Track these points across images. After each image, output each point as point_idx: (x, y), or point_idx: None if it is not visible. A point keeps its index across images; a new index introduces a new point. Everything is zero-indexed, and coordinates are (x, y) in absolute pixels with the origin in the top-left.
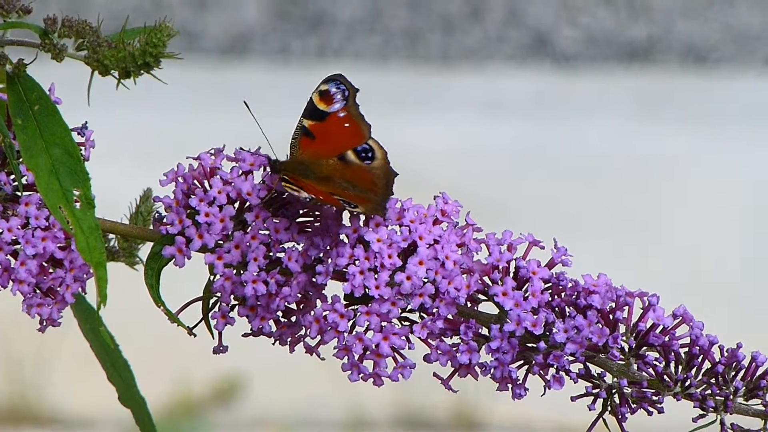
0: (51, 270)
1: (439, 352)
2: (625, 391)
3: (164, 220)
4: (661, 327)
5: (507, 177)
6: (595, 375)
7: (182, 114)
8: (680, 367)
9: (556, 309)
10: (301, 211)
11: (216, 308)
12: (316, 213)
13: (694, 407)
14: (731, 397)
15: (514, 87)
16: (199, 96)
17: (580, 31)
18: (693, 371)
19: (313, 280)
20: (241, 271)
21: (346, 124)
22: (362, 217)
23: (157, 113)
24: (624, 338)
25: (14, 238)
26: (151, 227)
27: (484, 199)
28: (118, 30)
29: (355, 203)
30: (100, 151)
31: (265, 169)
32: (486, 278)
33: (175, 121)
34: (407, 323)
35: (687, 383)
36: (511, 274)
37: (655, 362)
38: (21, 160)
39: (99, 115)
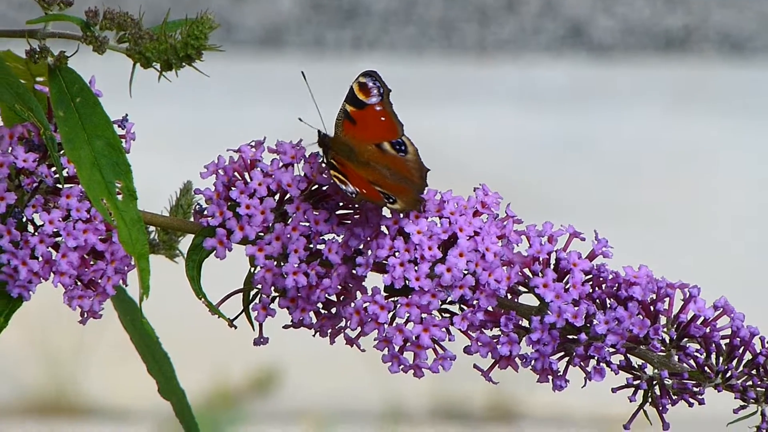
0: (92, 262)
1: (479, 343)
2: (666, 382)
3: (205, 212)
4: (702, 318)
5: (543, 168)
6: (636, 366)
7: (219, 106)
8: (721, 359)
9: (597, 301)
10: (341, 204)
11: (257, 300)
12: (356, 206)
13: (735, 398)
14: None
15: (549, 78)
16: (236, 88)
17: (617, 20)
18: (734, 362)
19: (353, 271)
20: (282, 263)
21: (383, 118)
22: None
23: (194, 106)
24: (665, 330)
25: (55, 230)
26: (192, 219)
27: (519, 189)
28: (157, 22)
29: (394, 197)
30: (139, 143)
31: (305, 161)
32: (526, 270)
33: (212, 113)
34: (447, 315)
35: (728, 374)
36: (552, 266)
37: (696, 353)
38: (62, 152)
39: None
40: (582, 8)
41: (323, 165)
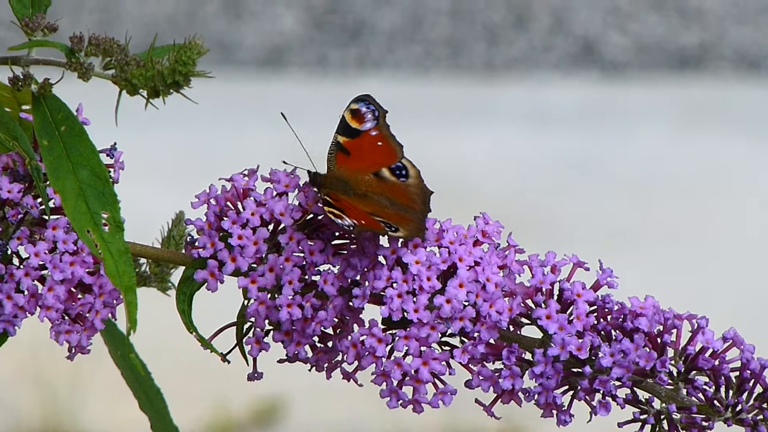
0: (80, 295)
1: (480, 377)
2: (674, 416)
3: (196, 244)
4: (710, 350)
5: (552, 190)
6: (643, 400)
7: (217, 130)
8: (731, 392)
9: (602, 332)
10: (336, 233)
11: (250, 333)
12: (352, 236)
13: None
14: None
15: (560, 97)
16: (235, 110)
17: (629, 38)
18: (744, 396)
19: (350, 303)
20: (276, 295)
21: (379, 143)
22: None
23: (190, 130)
24: (672, 362)
25: (41, 263)
26: (183, 251)
27: (528, 212)
28: (150, 43)
29: (395, 225)
30: (130, 172)
31: (299, 190)
32: (529, 301)
33: (210, 137)
34: (447, 348)
35: (738, 408)
36: (555, 297)
37: (704, 387)
38: (48, 182)
39: (129, 135)
40: (594, 25)
41: (318, 196)
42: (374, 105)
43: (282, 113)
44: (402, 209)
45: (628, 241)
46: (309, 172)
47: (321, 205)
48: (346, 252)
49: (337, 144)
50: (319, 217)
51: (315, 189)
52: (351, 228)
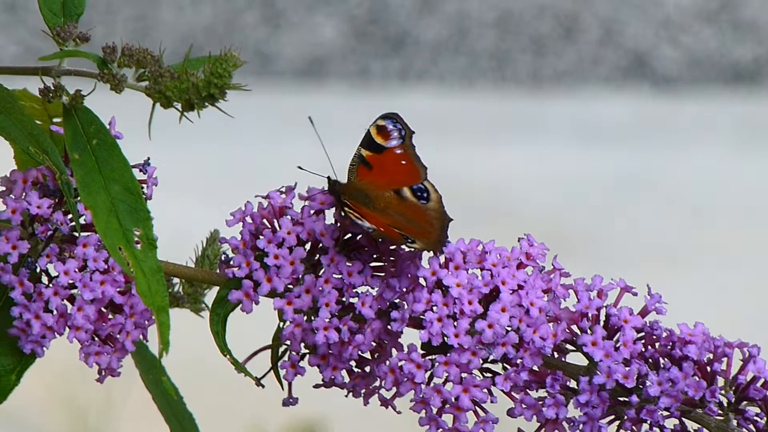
0: (110, 316)
1: (523, 405)
2: None
3: (231, 263)
4: (762, 380)
5: (601, 209)
6: (692, 431)
7: (254, 144)
8: None
9: (650, 360)
10: (374, 255)
11: (285, 357)
12: (391, 258)
13: None
14: None
15: (609, 112)
16: (274, 123)
17: (682, 51)
18: None
19: (388, 327)
20: (312, 318)
21: (403, 162)
22: (441, 259)
23: (226, 144)
24: (722, 392)
25: (71, 281)
26: (218, 270)
27: (576, 232)
28: (184, 56)
29: (413, 237)
30: (164, 188)
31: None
32: (574, 327)
33: (247, 152)
34: (489, 375)
35: None
36: (602, 323)
37: (756, 418)
38: (79, 198)
39: (164, 149)
40: (645, 38)
41: (340, 201)
42: (401, 124)
43: (309, 117)
44: (420, 227)
45: (680, 263)
46: (329, 178)
47: (340, 210)
48: (384, 274)
49: (360, 157)
50: (358, 238)
51: (334, 198)
52: (370, 231)
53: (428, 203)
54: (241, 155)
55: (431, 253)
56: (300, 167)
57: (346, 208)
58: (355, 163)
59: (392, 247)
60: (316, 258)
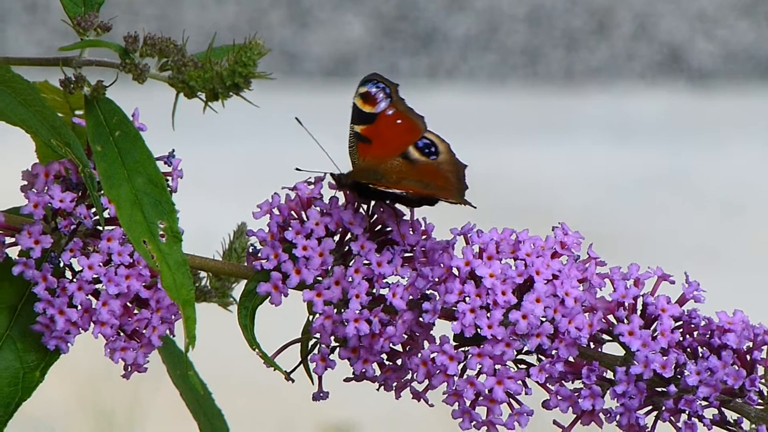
0: (136, 310)
1: (559, 397)
2: None
3: (259, 255)
4: None
5: (637, 206)
6: (731, 421)
7: (281, 142)
8: None
9: (688, 349)
10: (404, 248)
11: (315, 350)
12: (423, 248)
13: None
14: None
15: (644, 108)
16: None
17: (717, 45)
18: None
19: (420, 318)
20: (342, 310)
21: (399, 121)
22: (475, 249)
23: (253, 142)
24: (762, 381)
25: (95, 276)
26: (245, 263)
27: (610, 230)
28: (210, 43)
29: (443, 195)
30: (190, 182)
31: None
32: (610, 316)
33: (274, 150)
34: (523, 366)
35: None
36: (638, 312)
37: None
38: (102, 191)
39: (190, 146)
40: (679, 31)
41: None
42: (384, 82)
43: (296, 118)
44: (438, 190)
45: (717, 262)
46: (332, 174)
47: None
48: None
49: (355, 135)
50: (388, 229)
51: (341, 190)
52: (404, 195)
53: (438, 157)
54: (268, 154)
55: (463, 242)
56: (298, 168)
57: (370, 185)
58: (353, 143)
59: (423, 237)
60: (346, 249)
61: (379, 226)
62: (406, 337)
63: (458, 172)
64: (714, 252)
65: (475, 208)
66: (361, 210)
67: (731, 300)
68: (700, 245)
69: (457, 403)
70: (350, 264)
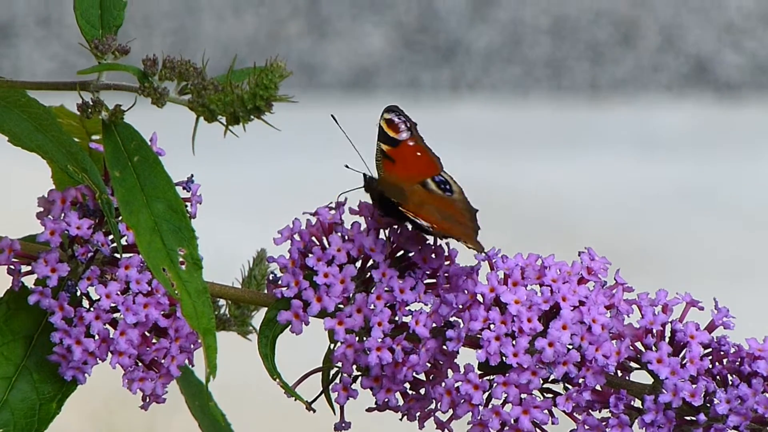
0: (154, 340)
1: (586, 427)
2: None
3: (279, 282)
4: None
5: (664, 223)
6: None
7: (301, 159)
8: None
9: (717, 377)
10: (427, 272)
11: (337, 380)
12: (446, 274)
13: None
14: None
15: (671, 120)
16: (319, 137)
17: (745, 56)
18: None
19: (444, 346)
20: (364, 338)
21: (418, 153)
22: (500, 275)
23: (272, 160)
24: None
25: (113, 305)
26: (265, 291)
27: (637, 247)
28: (228, 66)
29: (458, 237)
30: (209, 206)
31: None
32: (638, 344)
33: (294, 167)
34: (550, 395)
35: None
36: (667, 339)
37: None
38: (120, 218)
39: (208, 167)
40: (707, 43)
41: (379, 215)
42: (403, 116)
43: (332, 115)
44: (455, 222)
45: (749, 278)
46: (365, 175)
47: (380, 208)
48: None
49: (381, 151)
50: (410, 254)
51: (370, 195)
52: (430, 229)
53: (453, 195)
54: (287, 171)
55: (488, 268)
56: (347, 166)
57: (401, 207)
58: (380, 158)
59: (447, 263)
60: (368, 275)
61: (401, 252)
62: (429, 365)
63: (471, 213)
64: (745, 268)
65: (485, 254)
66: (382, 235)
67: (764, 317)
68: (730, 262)
69: None
70: (372, 291)
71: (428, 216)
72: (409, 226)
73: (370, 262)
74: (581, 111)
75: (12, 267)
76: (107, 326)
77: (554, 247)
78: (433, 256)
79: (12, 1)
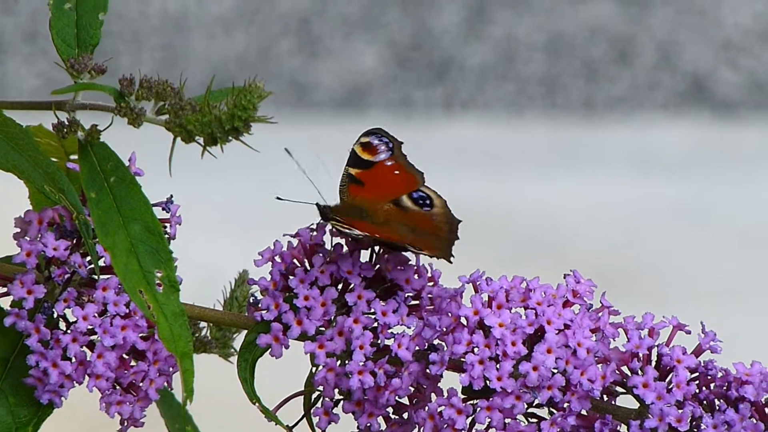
0: (132, 363)
1: None
2: None
3: (259, 305)
4: None
5: (660, 242)
6: None
7: (288, 179)
8: None
9: (704, 402)
10: (408, 294)
11: (318, 404)
12: (430, 296)
13: None
14: None
15: (667, 140)
16: (310, 157)
17: (743, 74)
18: None
19: (427, 370)
20: (346, 361)
21: (396, 172)
22: (485, 298)
23: (257, 179)
24: None
25: (90, 327)
26: (246, 313)
27: (633, 267)
28: (223, 85)
29: (419, 248)
30: (190, 226)
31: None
32: (624, 368)
33: (280, 187)
34: (534, 420)
35: None
36: (653, 363)
37: None
38: (97, 239)
39: (188, 184)
40: (703, 60)
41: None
42: (388, 137)
43: (286, 149)
44: (426, 235)
45: (744, 299)
46: (318, 205)
47: (329, 229)
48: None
49: (349, 176)
50: (391, 276)
51: (326, 221)
52: (360, 237)
53: (432, 209)
54: (272, 192)
55: (472, 290)
56: (279, 197)
57: (332, 222)
58: (345, 183)
59: (430, 284)
60: (346, 297)
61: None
62: (412, 389)
63: (451, 224)
64: (741, 289)
65: (451, 263)
66: (362, 258)
67: (758, 338)
68: (726, 280)
69: None
70: (351, 314)
71: (387, 231)
72: (377, 247)
73: (351, 285)
74: (576, 129)
75: None
76: (84, 349)
77: (549, 267)
78: (416, 277)
79: None
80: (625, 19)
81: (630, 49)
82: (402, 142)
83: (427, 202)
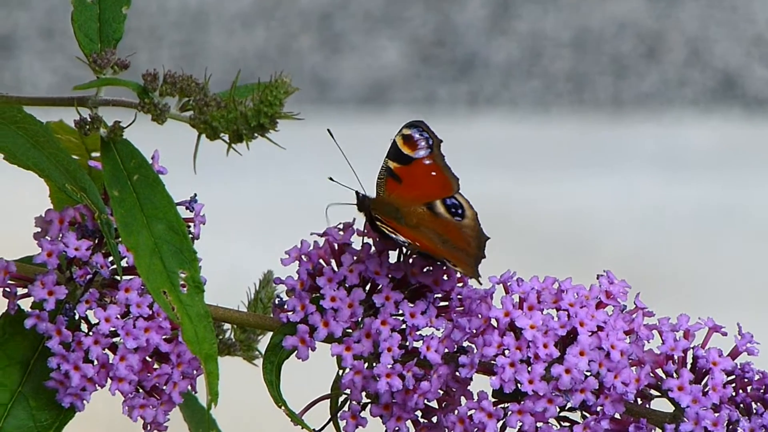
0: (155, 365)
1: None
2: None
3: (285, 306)
4: None
5: (690, 244)
6: None
7: (312, 177)
8: None
9: (741, 405)
10: (438, 295)
11: (345, 407)
12: (459, 296)
13: None
14: None
15: (697, 137)
16: (332, 155)
17: None
18: None
19: (456, 373)
20: (374, 364)
21: (433, 173)
22: (515, 299)
23: (281, 178)
24: None
25: (113, 329)
26: (272, 314)
27: (662, 270)
28: (241, 82)
29: (453, 262)
30: (214, 225)
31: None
32: (659, 370)
33: (304, 186)
34: (567, 424)
35: None
36: (689, 366)
37: None
38: (120, 239)
39: (215, 184)
40: (734, 56)
41: (366, 227)
42: (428, 133)
43: (328, 130)
44: (454, 249)
45: None
46: (357, 193)
47: (370, 225)
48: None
49: (387, 170)
50: (425, 269)
51: (363, 214)
52: (405, 245)
53: (463, 220)
54: (296, 191)
55: (503, 291)
56: (331, 178)
57: (377, 222)
58: (383, 176)
59: (459, 285)
60: (373, 298)
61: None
62: (441, 392)
63: (479, 240)
64: None
65: (480, 284)
66: (390, 258)
67: None
68: (761, 284)
69: None
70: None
71: (420, 238)
72: (404, 249)
73: (379, 286)
74: (604, 126)
75: (8, 289)
76: (106, 351)
77: (575, 268)
78: (444, 277)
79: (14, 12)
80: (654, 13)
81: (659, 44)
82: (441, 140)
83: (459, 211)
